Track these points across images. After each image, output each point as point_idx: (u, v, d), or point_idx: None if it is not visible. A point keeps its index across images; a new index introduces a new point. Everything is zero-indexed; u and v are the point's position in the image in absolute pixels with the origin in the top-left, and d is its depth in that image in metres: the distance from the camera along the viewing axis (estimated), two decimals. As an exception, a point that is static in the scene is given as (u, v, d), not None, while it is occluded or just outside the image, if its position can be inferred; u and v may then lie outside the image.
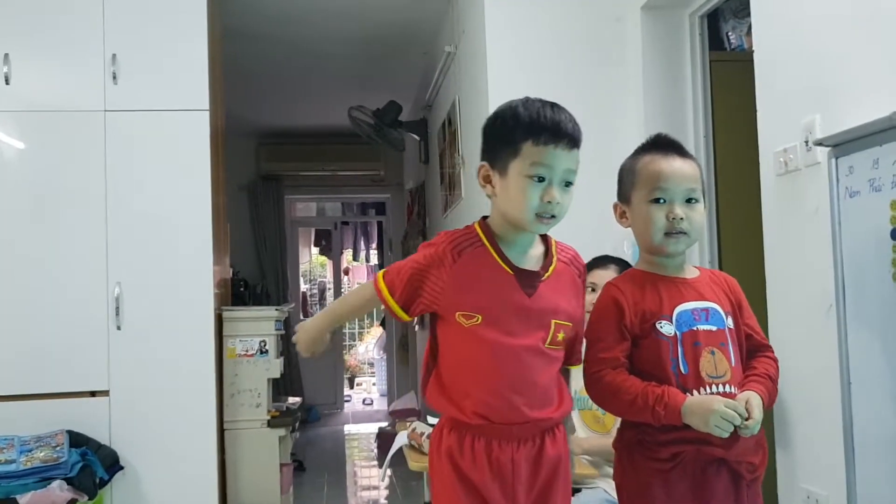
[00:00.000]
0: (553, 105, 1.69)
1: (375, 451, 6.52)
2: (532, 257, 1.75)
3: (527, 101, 1.69)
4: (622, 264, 2.75)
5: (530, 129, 1.65)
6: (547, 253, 1.77)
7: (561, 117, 1.67)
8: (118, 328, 3.69)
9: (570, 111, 1.71)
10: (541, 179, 1.65)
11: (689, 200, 1.82)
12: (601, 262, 2.78)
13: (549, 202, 1.65)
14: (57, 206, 3.69)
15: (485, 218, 1.78)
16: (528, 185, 1.65)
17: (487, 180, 1.72)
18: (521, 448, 1.68)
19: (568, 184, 1.68)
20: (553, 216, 1.67)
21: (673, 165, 1.82)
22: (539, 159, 1.64)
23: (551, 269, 1.74)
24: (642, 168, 1.85)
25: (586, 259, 2.79)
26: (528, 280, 1.70)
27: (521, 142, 1.65)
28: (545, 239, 1.79)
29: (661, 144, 1.88)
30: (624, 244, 3.24)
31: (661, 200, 1.81)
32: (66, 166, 3.71)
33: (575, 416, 2.80)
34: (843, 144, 2.00)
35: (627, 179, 1.89)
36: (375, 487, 5.54)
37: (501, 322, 1.66)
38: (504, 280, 1.68)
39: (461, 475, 1.67)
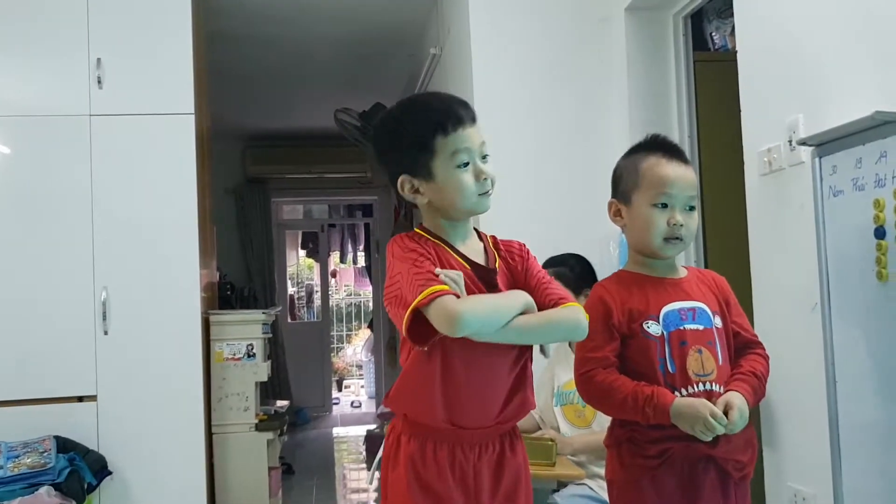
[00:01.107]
0: (432, 94, 1.76)
1: (364, 453, 6.51)
2: (476, 252, 1.74)
3: (409, 105, 1.74)
4: (558, 264, 2.75)
5: (434, 125, 1.65)
6: (486, 249, 1.76)
7: (451, 100, 1.71)
8: (105, 333, 3.67)
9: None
10: (466, 164, 1.66)
11: (688, 208, 1.84)
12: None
13: (485, 179, 1.67)
14: (42, 210, 3.67)
15: (419, 225, 1.78)
16: (459, 175, 1.66)
17: (415, 190, 1.70)
18: (483, 455, 1.66)
19: (485, 156, 1.69)
20: (488, 191, 1.69)
21: (678, 171, 1.84)
22: (456, 146, 1.65)
23: (497, 263, 1.74)
24: (647, 170, 1.85)
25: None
26: (484, 275, 1.69)
27: (431, 140, 1.65)
28: (480, 236, 1.78)
29: (665, 147, 1.89)
30: (610, 244, 3.25)
31: (664, 205, 1.82)
32: (51, 171, 3.70)
33: (557, 412, 2.81)
34: (827, 144, 2.01)
35: (629, 179, 1.89)
36: (364, 490, 5.53)
37: None
38: (461, 268, 1.66)
39: (423, 484, 1.64)
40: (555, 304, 1.69)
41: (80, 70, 3.71)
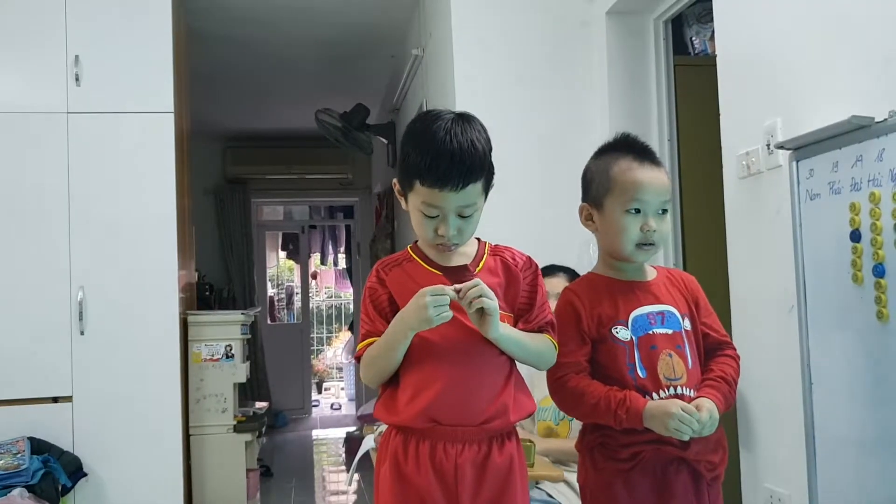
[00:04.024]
0: (452, 136, 1.62)
1: (343, 455, 6.50)
2: (464, 256, 1.76)
3: (427, 132, 1.65)
4: (570, 273, 2.80)
5: (418, 170, 1.64)
6: (477, 252, 1.77)
7: (452, 156, 1.61)
8: (81, 333, 3.64)
9: (480, 130, 1.68)
10: (431, 217, 1.67)
11: (660, 211, 1.83)
12: (549, 271, 2.80)
13: (443, 235, 1.67)
14: (18, 209, 3.64)
15: (413, 242, 1.81)
16: (422, 219, 1.68)
17: (401, 195, 1.75)
18: (465, 451, 1.65)
19: (463, 216, 1.67)
20: (455, 244, 1.70)
21: (650, 176, 1.81)
22: (427, 200, 1.65)
23: (482, 263, 1.75)
24: (619, 175, 1.82)
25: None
26: (457, 275, 1.69)
27: (413, 178, 1.66)
28: (479, 242, 1.80)
29: (636, 150, 1.86)
30: (590, 246, 3.25)
31: (637, 211, 1.81)
32: (28, 169, 3.66)
33: (534, 426, 2.83)
34: (804, 148, 2.03)
35: (601, 183, 1.86)
36: (343, 492, 5.51)
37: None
38: (434, 281, 1.67)
39: (404, 478, 1.66)
40: (539, 330, 1.75)
41: (57, 67, 3.68)
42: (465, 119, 1.68)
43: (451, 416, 1.64)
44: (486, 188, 1.71)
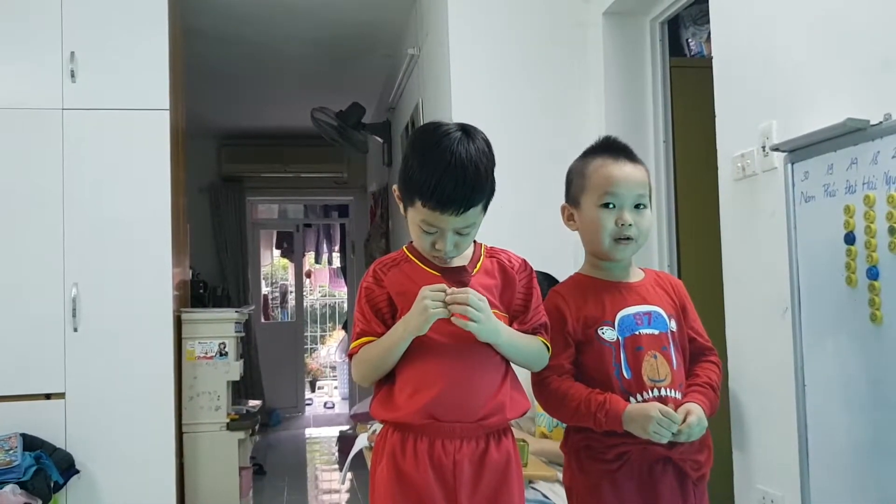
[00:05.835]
0: (457, 159, 1.62)
1: (336, 454, 6.49)
2: (461, 258, 1.77)
3: (432, 151, 1.64)
4: (549, 278, 2.80)
5: (421, 191, 1.64)
6: (474, 254, 1.79)
7: (456, 183, 1.61)
8: (75, 330, 3.63)
9: (484, 151, 1.67)
10: (429, 232, 1.68)
11: (637, 206, 1.83)
12: None
13: (440, 249, 1.69)
14: (13, 205, 3.63)
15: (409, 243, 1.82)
16: (419, 232, 1.70)
17: (400, 200, 1.76)
18: (463, 447, 1.66)
19: (461, 234, 1.69)
20: (443, 258, 1.71)
21: (624, 170, 1.83)
22: (427, 219, 1.66)
23: (479, 264, 1.76)
24: (593, 172, 1.84)
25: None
26: (455, 276, 1.71)
27: (414, 196, 1.67)
28: (474, 243, 1.80)
29: (612, 148, 1.88)
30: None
31: (611, 206, 1.82)
32: (22, 165, 3.65)
33: (534, 428, 2.83)
34: (799, 150, 2.03)
35: (577, 182, 1.88)
36: (336, 491, 5.51)
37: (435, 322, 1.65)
38: (432, 281, 1.68)
39: (402, 476, 1.66)
40: (534, 332, 1.76)
41: (52, 63, 3.67)
42: (470, 137, 1.67)
43: (450, 413, 1.66)
44: (487, 206, 1.72)
